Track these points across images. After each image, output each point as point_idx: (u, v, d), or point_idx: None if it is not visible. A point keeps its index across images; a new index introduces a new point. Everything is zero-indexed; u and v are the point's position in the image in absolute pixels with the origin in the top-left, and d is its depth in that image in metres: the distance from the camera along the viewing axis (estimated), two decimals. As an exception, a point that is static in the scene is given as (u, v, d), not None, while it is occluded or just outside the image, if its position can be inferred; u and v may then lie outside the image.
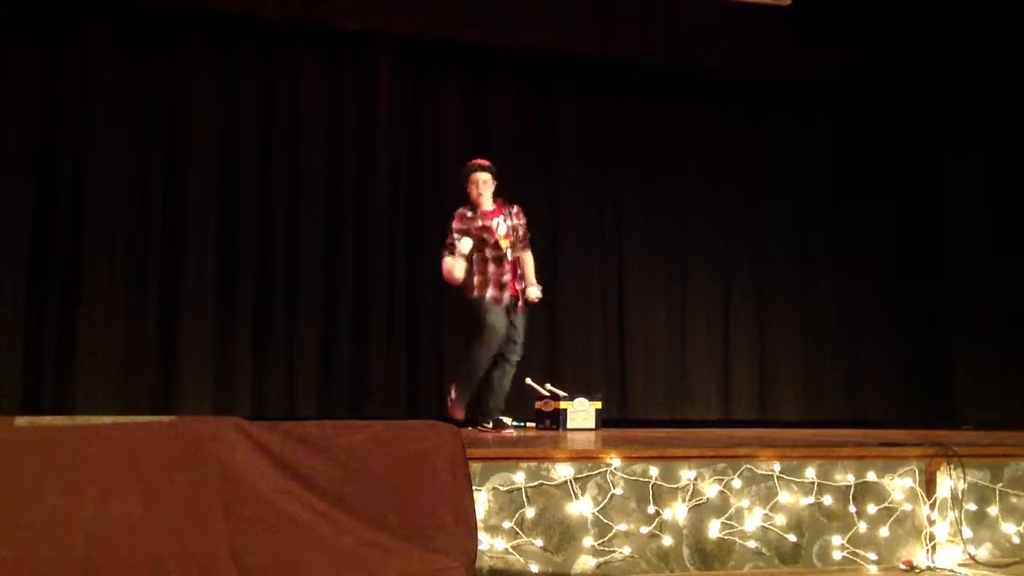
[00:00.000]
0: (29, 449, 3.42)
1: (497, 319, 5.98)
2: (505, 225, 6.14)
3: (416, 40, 7.75)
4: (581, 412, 6.39)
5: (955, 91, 8.51)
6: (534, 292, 6.20)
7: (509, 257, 6.11)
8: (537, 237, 8.03)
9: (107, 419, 3.61)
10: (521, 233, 6.24)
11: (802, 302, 8.79)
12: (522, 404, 6.86)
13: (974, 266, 8.40)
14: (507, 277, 6.07)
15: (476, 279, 6.06)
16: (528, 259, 6.27)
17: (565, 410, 6.35)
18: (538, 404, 6.57)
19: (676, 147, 8.59)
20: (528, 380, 6.67)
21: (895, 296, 8.87)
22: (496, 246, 6.08)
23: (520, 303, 6.14)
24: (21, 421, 3.51)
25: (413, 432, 3.95)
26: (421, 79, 8.03)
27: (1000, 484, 4.58)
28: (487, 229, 6.09)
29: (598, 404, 6.47)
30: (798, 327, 8.75)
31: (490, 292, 6.02)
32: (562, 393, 6.45)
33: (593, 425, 6.40)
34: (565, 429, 6.29)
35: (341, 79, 7.84)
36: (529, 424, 6.81)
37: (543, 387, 6.58)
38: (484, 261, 6.07)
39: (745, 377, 8.58)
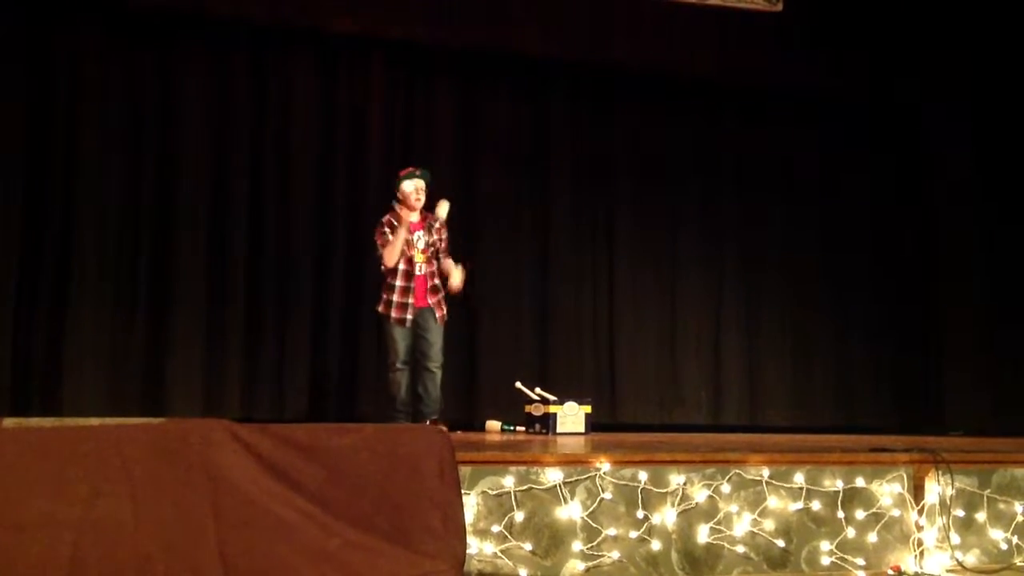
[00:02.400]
0: (17, 450, 3.41)
1: (400, 343, 6.15)
2: (424, 240, 6.23)
3: (409, 44, 7.75)
4: (571, 416, 6.39)
5: (945, 93, 8.55)
6: (456, 277, 6.24)
7: (420, 271, 6.19)
8: (528, 241, 8.14)
9: (95, 421, 3.60)
10: (443, 246, 6.31)
11: (792, 308, 8.81)
12: (512, 408, 6.87)
13: (963, 271, 8.43)
14: (412, 298, 6.16)
15: (383, 294, 6.23)
16: (449, 264, 6.30)
17: (555, 414, 6.35)
18: (528, 408, 6.57)
19: (668, 151, 8.61)
20: (518, 384, 6.68)
21: (885, 302, 8.90)
22: (410, 261, 6.18)
23: (439, 315, 6.24)
24: (9, 422, 3.50)
25: (402, 435, 3.95)
26: (414, 82, 8.03)
27: (988, 490, 4.59)
28: (407, 242, 6.19)
29: (588, 408, 6.46)
30: (788, 332, 8.77)
31: (394, 314, 6.18)
32: (552, 397, 6.46)
33: (583, 429, 6.39)
34: (555, 433, 6.29)
35: (333, 82, 7.84)
36: (519, 428, 6.81)
37: (533, 391, 6.58)
38: (395, 274, 6.18)
39: (735, 382, 8.59)
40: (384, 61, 7.91)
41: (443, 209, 6.27)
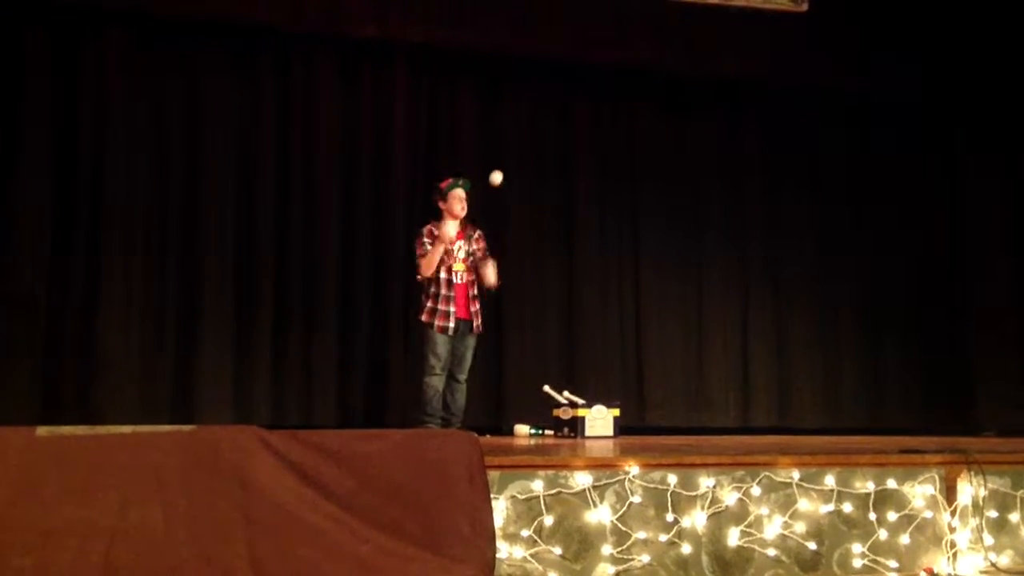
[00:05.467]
0: (50, 458, 3.44)
1: (441, 349, 6.28)
2: (464, 250, 6.38)
3: (432, 47, 7.77)
4: (599, 419, 6.38)
5: (976, 95, 8.48)
6: (491, 274, 6.38)
7: (460, 280, 6.33)
8: (553, 244, 8.13)
9: (127, 428, 3.62)
10: (479, 256, 6.45)
11: (820, 308, 8.76)
12: (539, 412, 6.87)
13: (994, 270, 8.36)
14: (454, 306, 6.29)
15: (427, 303, 6.34)
16: (490, 266, 6.41)
17: (583, 417, 6.34)
18: (556, 412, 6.56)
19: (692, 152, 8.58)
20: (546, 387, 6.67)
21: (914, 301, 8.83)
22: (450, 270, 6.32)
23: (476, 325, 6.40)
24: (42, 431, 3.53)
25: (431, 440, 3.96)
26: (437, 86, 8.05)
27: (1021, 491, 4.54)
28: (448, 252, 6.32)
29: (616, 411, 6.45)
30: (816, 333, 8.72)
31: (437, 322, 6.30)
32: (580, 400, 6.44)
33: (611, 432, 6.38)
34: (583, 436, 6.28)
35: (357, 86, 7.86)
36: (547, 432, 6.81)
37: (560, 394, 6.58)
38: (436, 283, 6.29)
39: (763, 384, 8.55)
40: (407, 65, 7.92)
41: (497, 177, 6.41)
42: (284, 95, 7.67)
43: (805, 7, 7.96)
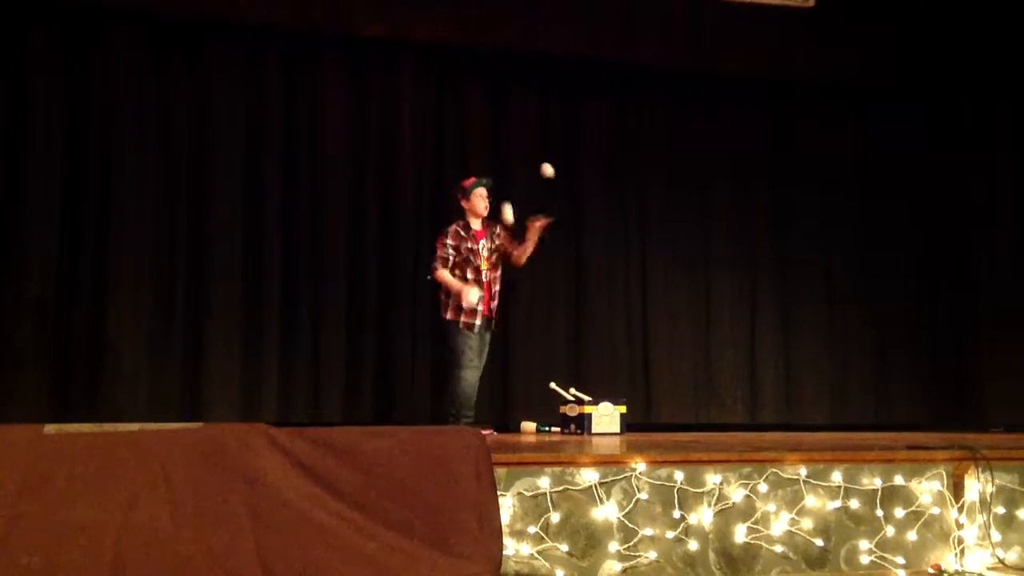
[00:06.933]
0: (58, 456, 3.45)
1: (469, 345, 6.24)
2: (488, 248, 6.38)
3: (438, 46, 7.77)
4: (606, 416, 6.38)
5: (984, 90, 8.46)
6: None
7: (486, 279, 6.33)
8: (561, 241, 8.13)
9: (134, 426, 3.64)
10: (506, 239, 6.46)
11: (827, 305, 8.75)
12: (546, 409, 6.87)
13: (1001, 266, 8.34)
14: (479, 303, 6.26)
15: (451, 302, 6.30)
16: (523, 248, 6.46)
17: (590, 414, 6.35)
18: (563, 408, 6.57)
19: (699, 149, 8.57)
20: (553, 384, 6.67)
21: (921, 297, 8.82)
22: (477, 269, 6.31)
23: (493, 322, 6.40)
24: (50, 428, 3.54)
25: (438, 438, 3.96)
26: (443, 84, 8.05)
27: (1029, 487, 4.54)
28: (473, 252, 6.31)
29: (623, 408, 6.46)
30: (824, 330, 8.71)
31: (462, 319, 6.26)
32: (587, 397, 6.45)
33: (618, 429, 6.39)
34: (590, 433, 6.29)
35: (364, 85, 7.86)
36: (554, 429, 6.81)
37: (567, 391, 6.58)
38: (462, 281, 6.26)
39: (770, 380, 8.54)
40: (413, 63, 7.92)
41: (509, 212, 6.39)
42: (291, 94, 7.67)
43: (812, 3, 7.94)
